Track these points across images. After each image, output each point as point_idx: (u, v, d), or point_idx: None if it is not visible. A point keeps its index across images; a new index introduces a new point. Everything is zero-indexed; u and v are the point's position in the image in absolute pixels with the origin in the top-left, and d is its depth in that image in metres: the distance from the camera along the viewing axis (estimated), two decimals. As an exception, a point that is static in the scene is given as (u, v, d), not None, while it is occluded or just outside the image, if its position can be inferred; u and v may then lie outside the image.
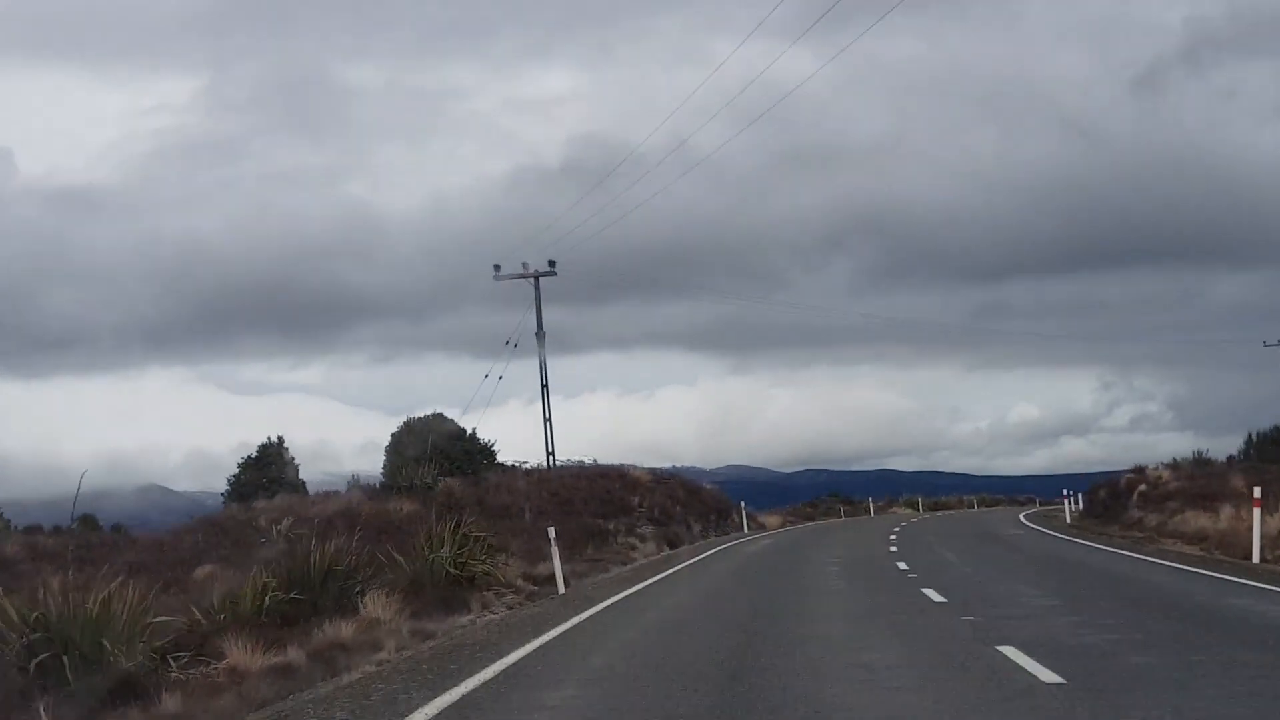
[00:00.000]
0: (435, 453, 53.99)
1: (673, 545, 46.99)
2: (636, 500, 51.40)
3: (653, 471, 58.00)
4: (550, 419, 62.26)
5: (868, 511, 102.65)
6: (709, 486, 62.51)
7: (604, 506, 49.36)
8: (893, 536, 47.99)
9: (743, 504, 60.81)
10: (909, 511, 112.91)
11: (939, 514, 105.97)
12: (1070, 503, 66.23)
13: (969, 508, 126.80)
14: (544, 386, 62.62)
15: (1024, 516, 73.65)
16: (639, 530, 47.80)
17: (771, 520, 70.48)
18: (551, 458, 61.51)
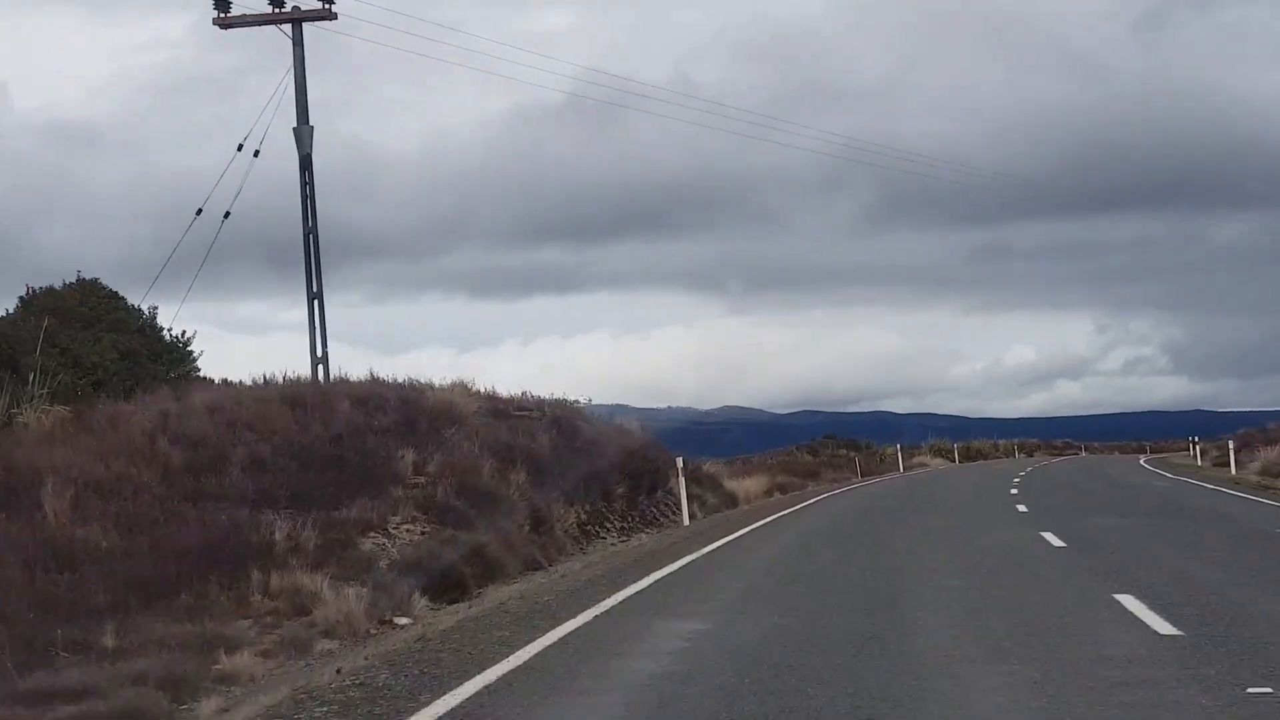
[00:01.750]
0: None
1: (459, 587, 17.18)
2: (421, 460, 21.71)
3: (496, 400, 28.13)
4: (319, 294, 32.31)
5: (886, 461, 73.44)
6: (632, 430, 32.56)
7: (329, 478, 19.83)
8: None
9: (680, 466, 30.15)
10: (940, 462, 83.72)
11: (990, 464, 77.93)
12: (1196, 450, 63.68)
13: (1007, 455, 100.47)
14: (309, 231, 32.63)
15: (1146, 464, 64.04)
16: (397, 529, 18.50)
17: (749, 486, 40.60)
18: (322, 367, 31.70)
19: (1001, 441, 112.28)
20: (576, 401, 31.77)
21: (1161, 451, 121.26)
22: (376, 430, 23.08)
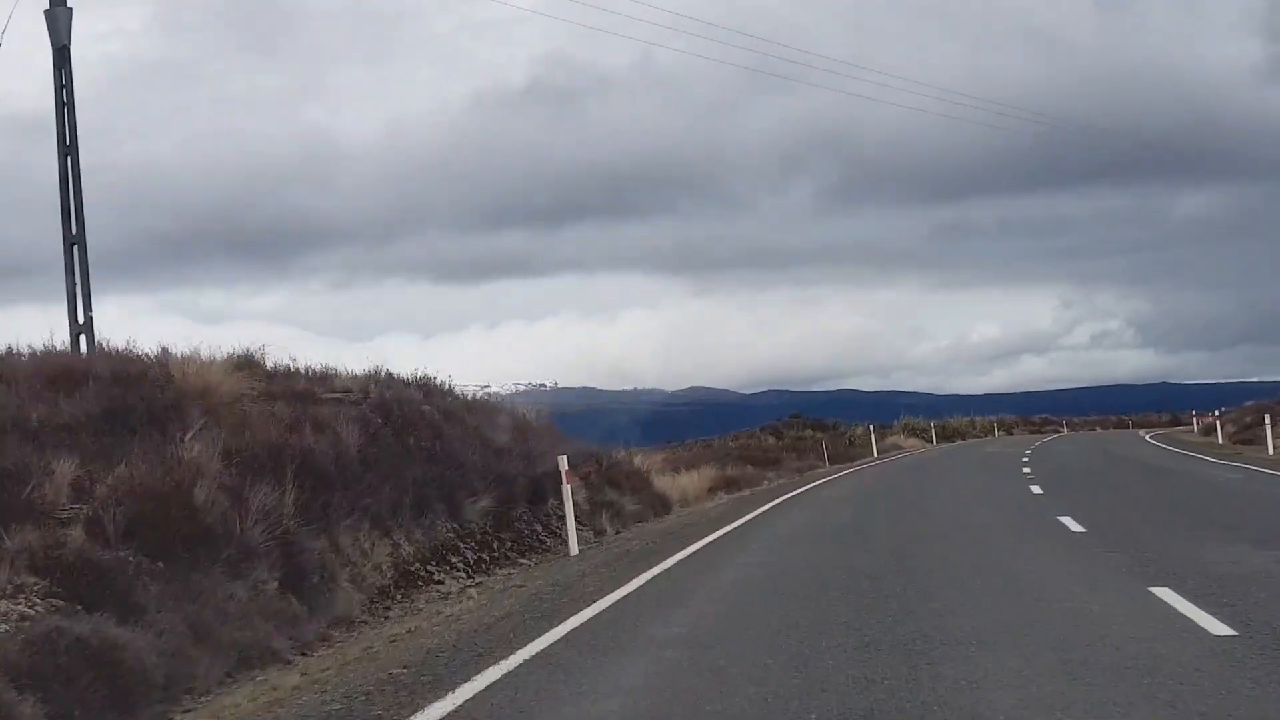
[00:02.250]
0: None
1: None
2: (87, 476, 12.68)
3: (293, 380, 19.23)
4: (81, 239, 23.20)
5: (856, 444, 64.72)
6: (521, 418, 23.62)
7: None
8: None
9: (564, 469, 20.77)
10: (916, 443, 74.93)
11: (973, 445, 69.31)
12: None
13: (985, 433, 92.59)
14: (67, 150, 23.53)
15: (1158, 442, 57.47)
16: None
17: (689, 484, 31.63)
18: (85, 337, 22.65)
19: (979, 418, 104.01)
20: (442, 382, 22.77)
21: (1148, 426, 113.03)
22: (47, 427, 14.09)
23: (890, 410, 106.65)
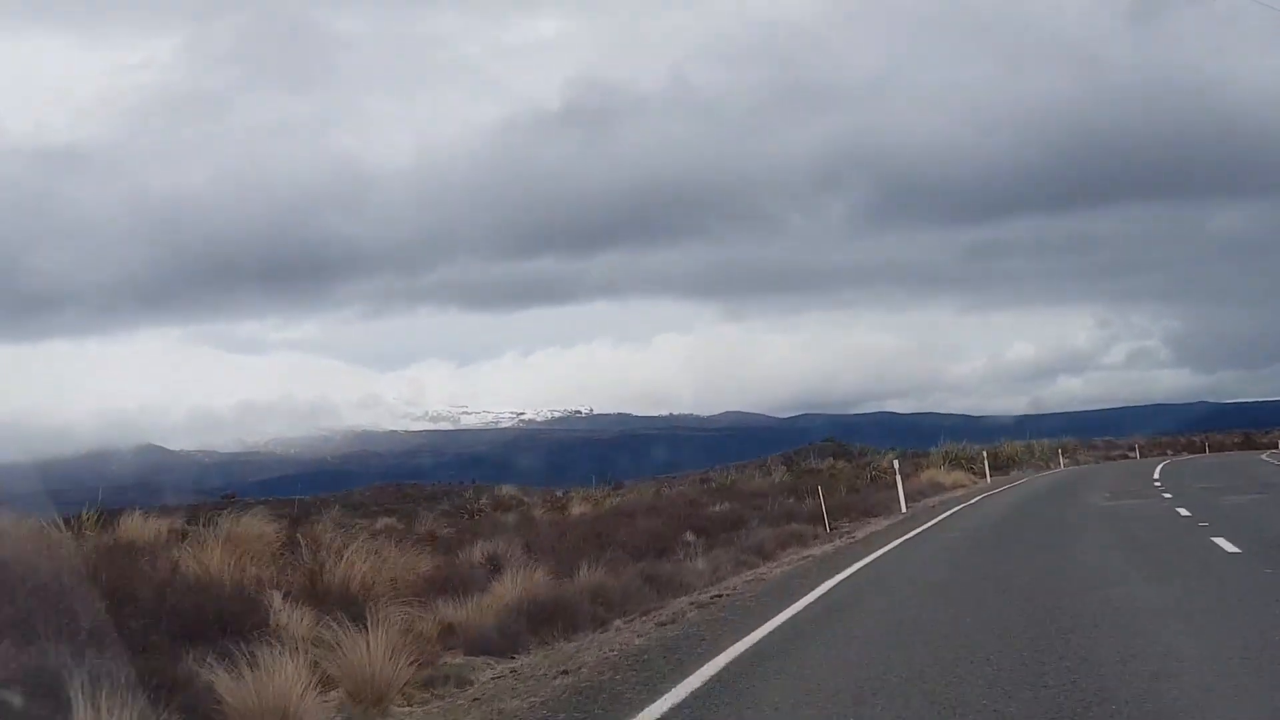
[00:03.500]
0: None
1: None
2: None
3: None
4: None
5: (879, 482, 42.57)
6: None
7: None
8: None
9: None
10: (963, 478, 52.52)
11: (1045, 479, 47.70)
12: None
13: (1046, 462, 72.56)
14: None
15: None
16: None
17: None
18: None
19: (1035, 442, 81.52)
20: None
21: (1223, 449, 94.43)
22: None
23: (927, 434, 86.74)
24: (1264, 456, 63.10)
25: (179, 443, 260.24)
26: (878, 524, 29.37)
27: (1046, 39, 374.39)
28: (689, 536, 22.24)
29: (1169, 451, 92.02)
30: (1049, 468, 68.98)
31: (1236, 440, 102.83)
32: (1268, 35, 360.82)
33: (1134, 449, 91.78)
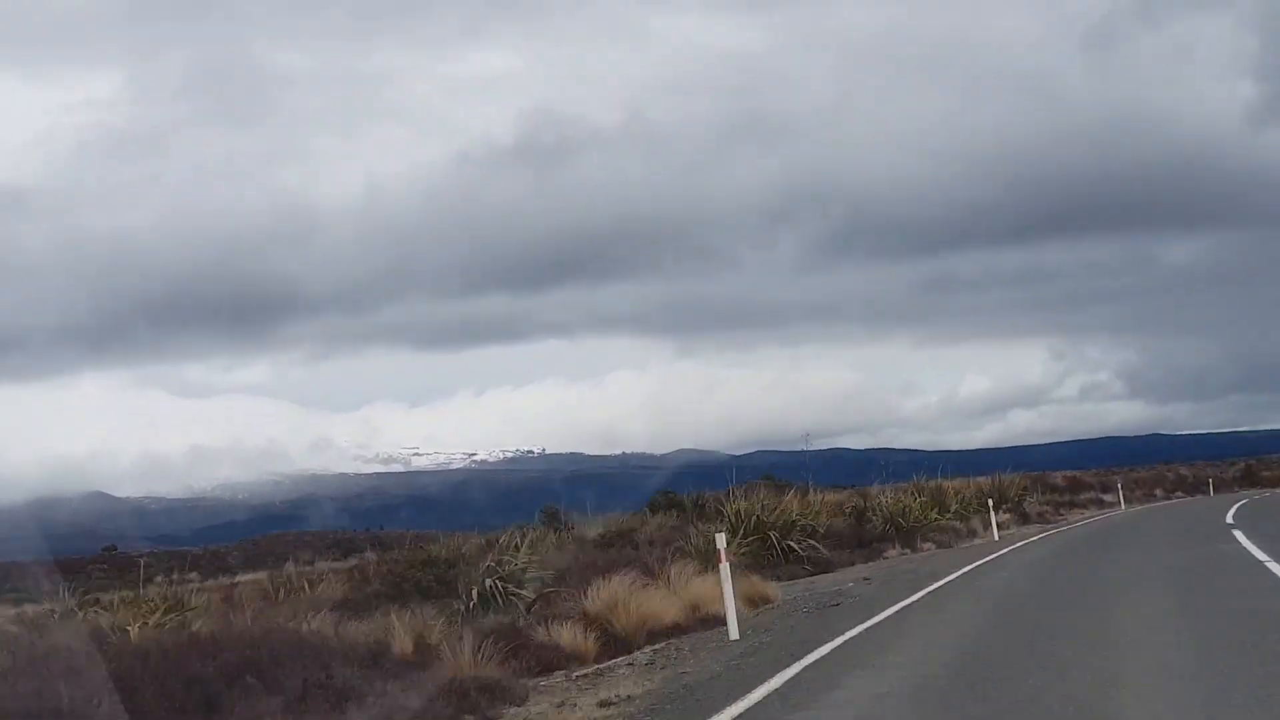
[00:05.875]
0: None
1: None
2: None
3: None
4: None
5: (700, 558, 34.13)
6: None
7: None
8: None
9: None
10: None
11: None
12: None
13: (968, 512, 45.19)
14: None
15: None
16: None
17: None
18: None
19: (961, 481, 58.25)
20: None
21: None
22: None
23: (879, 471, 77.11)
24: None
25: (126, 489, 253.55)
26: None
27: (1000, 70, 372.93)
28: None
29: (1158, 492, 78.29)
30: (983, 537, 41.81)
31: (1238, 473, 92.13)
32: (1221, 67, 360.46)
33: (1120, 490, 69.75)
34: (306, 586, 25.43)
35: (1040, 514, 55.00)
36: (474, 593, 20.09)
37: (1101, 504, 67.33)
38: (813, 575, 29.96)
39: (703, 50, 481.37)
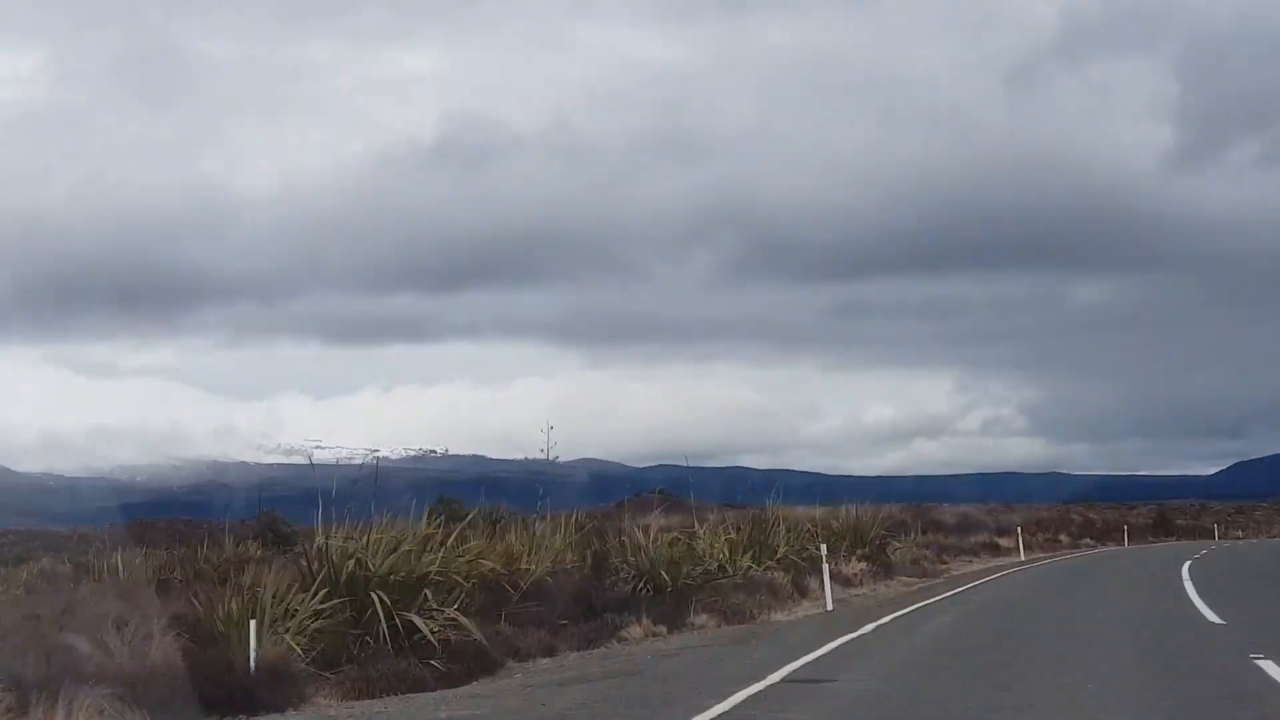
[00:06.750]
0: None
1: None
2: None
3: None
4: None
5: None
6: None
7: None
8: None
9: None
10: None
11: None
12: None
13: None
14: None
15: None
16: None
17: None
18: None
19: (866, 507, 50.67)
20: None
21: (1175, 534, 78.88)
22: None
23: (779, 491, 75.38)
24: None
25: (25, 464, 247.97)
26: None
27: (922, 103, 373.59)
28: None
29: (1063, 537, 68.98)
30: (811, 600, 29.98)
31: (1150, 519, 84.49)
32: (1140, 111, 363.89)
33: (1015, 538, 59.14)
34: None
35: (916, 561, 42.95)
36: None
37: (996, 550, 57.43)
38: (416, 692, 17.18)
39: (629, 63, 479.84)
